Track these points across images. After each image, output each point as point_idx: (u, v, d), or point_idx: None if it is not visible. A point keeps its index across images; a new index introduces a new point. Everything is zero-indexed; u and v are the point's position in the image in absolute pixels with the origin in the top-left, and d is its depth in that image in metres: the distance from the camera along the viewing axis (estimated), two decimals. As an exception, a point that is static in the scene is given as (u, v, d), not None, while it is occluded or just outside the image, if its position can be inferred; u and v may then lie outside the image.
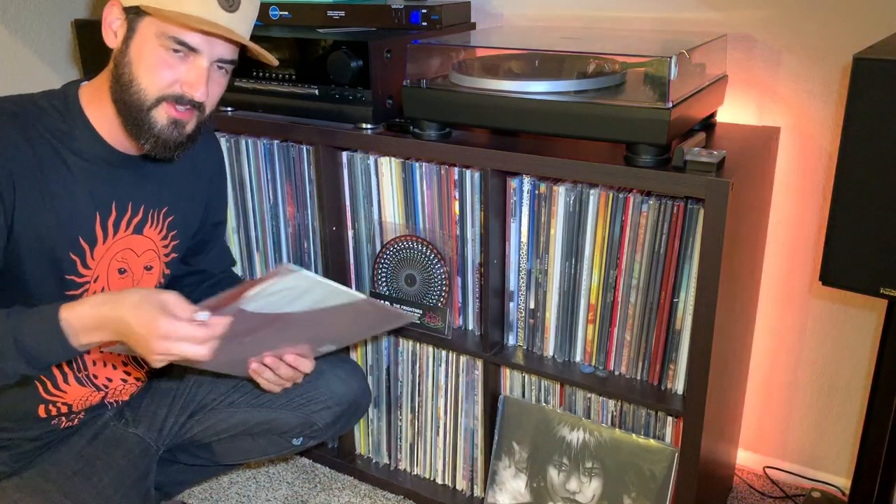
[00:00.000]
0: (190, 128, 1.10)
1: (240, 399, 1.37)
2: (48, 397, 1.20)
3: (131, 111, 1.06)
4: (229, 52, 1.08)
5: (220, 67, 1.09)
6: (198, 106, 1.08)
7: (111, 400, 1.30)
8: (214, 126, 1.54)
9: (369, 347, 1.62)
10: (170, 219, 1.25)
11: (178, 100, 1.06)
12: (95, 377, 1.25)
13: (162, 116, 1.06)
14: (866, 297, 1.42)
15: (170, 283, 1.34)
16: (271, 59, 1.14)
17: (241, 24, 1.07)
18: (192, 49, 1.04)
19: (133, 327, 0.97)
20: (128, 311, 0.98)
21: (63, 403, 1.22)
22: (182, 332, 0.96)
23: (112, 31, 1.07)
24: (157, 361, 0.99)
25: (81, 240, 1.13)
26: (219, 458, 1.44)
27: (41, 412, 1.21)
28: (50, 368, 1.14)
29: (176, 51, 1.03)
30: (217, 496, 1.64)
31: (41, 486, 1.21)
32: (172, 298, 0.99)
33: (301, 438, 1.39)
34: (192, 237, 1.34)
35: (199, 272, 1.42)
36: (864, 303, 1.48)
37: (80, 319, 0.99)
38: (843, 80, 1.39)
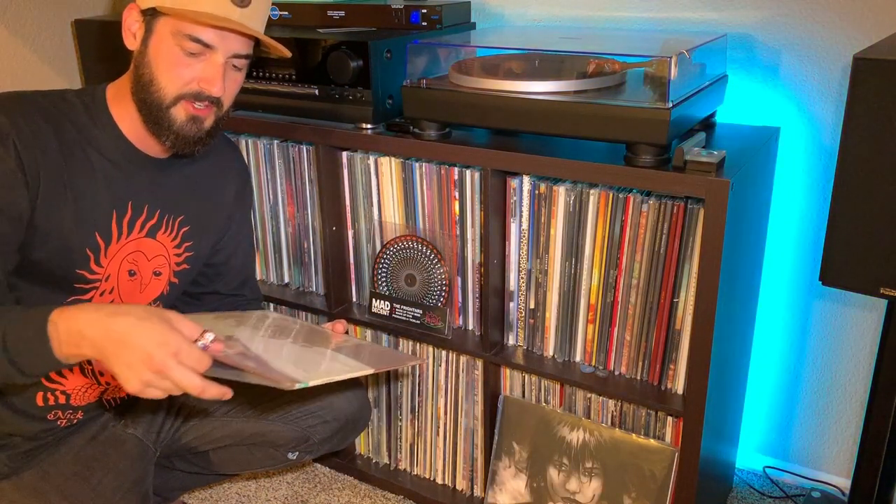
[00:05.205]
0: (208, 124, 1.12)
1: (235, 408, 1.36)
2: (48, 384, 1.20)
3: (151, 109, 1.09)
4: (244, 47, 1.11)
5: (236, 63, 1.12)
6: (215, 102, 1.10)
7: (109, 397, 1.30)
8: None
9: (369, 347, 1.62)
10: (185, 229, 1.26)
11: (195, 97, 1.09)
12: (101, 374, 1.25)
13: (181, 114, 1.09)
14: (866, 297, 1.42)
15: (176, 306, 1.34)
16: (285, 51, 1.16)
17: (254, 18, 1.10)
18: (207, 46, 1.06)
19: (133, 339, 0.90)
20: (132, 320, 0.91)
21: (62, 392, 1.22)
22: (188, 355, 0.91)
23: (131, 33, 1.10)
24: (141, 385, 0.91)
25: (98, 235, 1.14)
26: (215, 467, 1.43)
27: (39, 400, 1.20)
28: (39, 378, 1.06)
29: (191, 49, 1.06)
30: (217, 496, 1.64)
31: (40, 487, 1.21)
32: (176, 316, 0.95)
33: (297, 453, 1.38)
34: (208, 253, 1.33)
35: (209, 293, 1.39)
36: (864, 303, 1.48)
37: (68, 321, 0.93)
38: (843, 80, 1.39)
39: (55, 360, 0.94)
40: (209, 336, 0.95)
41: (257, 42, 1.14)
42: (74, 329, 0.93)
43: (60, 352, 0.93)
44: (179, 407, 1.37)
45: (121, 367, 0.91)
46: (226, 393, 0.95)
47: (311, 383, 0.95)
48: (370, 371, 1.05)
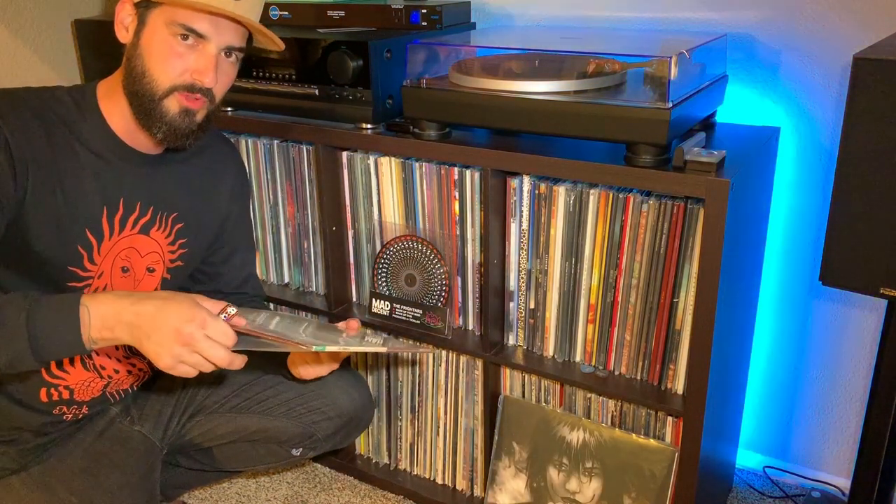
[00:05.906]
0: (200, 116, 1.12)
1: (241, 404, 1.36)
2: (50, 380, 1.20)
3: (143, 101, 1.08)
4: (237, 39, 1.11)
5: (229, 56, 1.11)
6: (207, 94, 1.10)
7: (112, 391, 1.30)
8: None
9: (369, 347, 1.62)
10: (179, 225, 1.25)
11: (188, 89, 1.08)
12: (103, 367, 1.25)
13: (173, 105, 1.09)
14: (866, 297, 1.42)
15: None
16: (278, 41, 1.16)
17: (248, 10, 1.10)
18: (200, 35, 1.06)
19: (161, 318, 0.96)
20: (159, 302, 0.97)
21: (65, 387, 1.22)
22: (214, 328, 0.97)
23: (124, 26, 1.10)
24: (172, 360, 0.97)
25: (89, 233, 1.14)
26: (218, 464, 1.44)
27: (42, 396, 1.20)
28: (50, 364, 1.13)
29: (185, 37, 1.06)
30: (217, 496, 1.64)
31: (47, 482, 1.21)
32: (199, 295, 1.02)
33: (300, 449, 1.39)
34: (204, 251, 1.33)
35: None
36: (864, 303, 1.48)
37: (100, 306, 0.97)
38: (843, 80, 1.39)
39: (80, 343, 0.96)
40: (231, 310, 1.03)
41: (250, 38, 1.14)
42: (111, 313, 0.97)
43: (88, 336, 0.96)
44: (186, 403, 1.38)
45: (152, 346, 0.96)
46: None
47: (329, 348, 1.06)
48: (383, 350, 1.12)
